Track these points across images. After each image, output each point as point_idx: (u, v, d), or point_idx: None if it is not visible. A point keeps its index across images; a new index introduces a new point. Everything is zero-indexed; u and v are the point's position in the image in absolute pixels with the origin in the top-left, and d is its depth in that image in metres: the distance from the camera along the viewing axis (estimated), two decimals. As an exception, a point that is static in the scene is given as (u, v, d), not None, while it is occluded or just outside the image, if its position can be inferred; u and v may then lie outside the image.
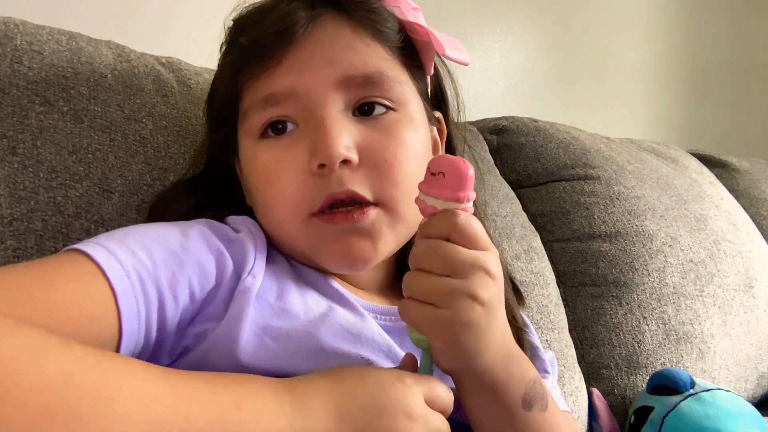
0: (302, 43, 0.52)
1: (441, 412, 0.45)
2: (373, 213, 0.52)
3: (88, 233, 0.59)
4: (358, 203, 0.52)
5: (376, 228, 0.52)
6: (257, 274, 0.49)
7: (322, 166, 0.50)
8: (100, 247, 0.43)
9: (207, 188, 0.60)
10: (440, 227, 0.45)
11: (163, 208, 0.58)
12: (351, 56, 0.53)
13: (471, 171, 0.45)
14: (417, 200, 0.47)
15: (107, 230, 0.60)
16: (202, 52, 0.79)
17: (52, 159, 0.60)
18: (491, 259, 0.45)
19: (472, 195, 0.45)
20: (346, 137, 0.51)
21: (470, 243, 0.45)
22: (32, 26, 0.64)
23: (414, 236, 0.54)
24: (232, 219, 0.55)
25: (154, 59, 0.72)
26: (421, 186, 0.47)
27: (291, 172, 0.52)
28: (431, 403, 0.44)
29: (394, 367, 0.47)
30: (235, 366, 0.45)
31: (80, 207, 0.60)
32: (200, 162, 0.64)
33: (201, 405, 0.36)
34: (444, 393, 0.46)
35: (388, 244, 0.54)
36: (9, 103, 0.59)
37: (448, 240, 0.45)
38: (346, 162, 0.50)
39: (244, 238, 0.51)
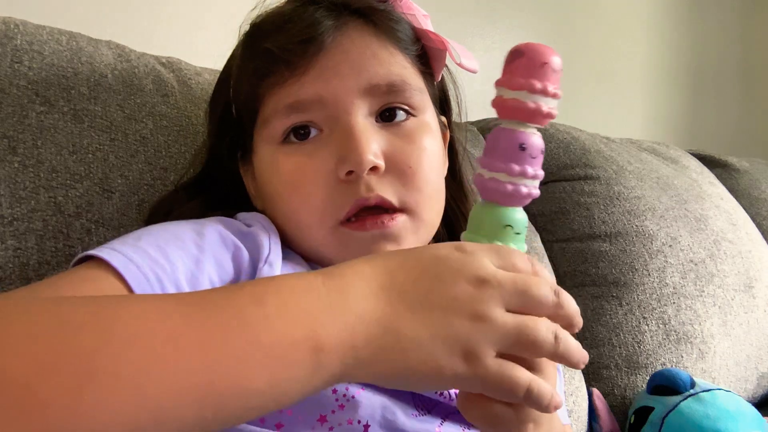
0: (329, 52, 0.53)
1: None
2: (401, 219, 0.52)
3: (89, 233, 0.59)
4: (384, 209, 0.52)
5: (402, 234, 0.53)
6: (274, 262, 0.50)
7: (350, 173, 0.51)
8: (116, 252, 0.43)
9: (209, 190, 0.60)
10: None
11: (164, 216, 0.58)
12: (376, 65, 0.54)
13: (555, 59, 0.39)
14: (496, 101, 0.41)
15: (108, 230, 0.60)
16: (202, 52, 0.79)
17: (53, 159, 0.60)
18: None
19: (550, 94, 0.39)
20: (374, 144, 0.51)
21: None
22: (32, 26, 0.64)
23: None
24: (242, 215, 0.56)
25: (154, 59, 0.72)
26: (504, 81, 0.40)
27: (318, 179, 0.52)
28: (505, 269, 0.37)
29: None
30: None
31: (81, 207, 0.60)
32: (198, 163, 0.64)
33: (214, 309, 0.32)
34: (520, 259, 0.38)
35: None
36: (9, 103, 0.59)
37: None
38: (373, 169, 0.51)
39: (257, 231, 0.52)
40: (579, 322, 0.38)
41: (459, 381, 0.35)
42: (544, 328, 0.36)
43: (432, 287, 0.35)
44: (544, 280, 0.37)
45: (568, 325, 0.38)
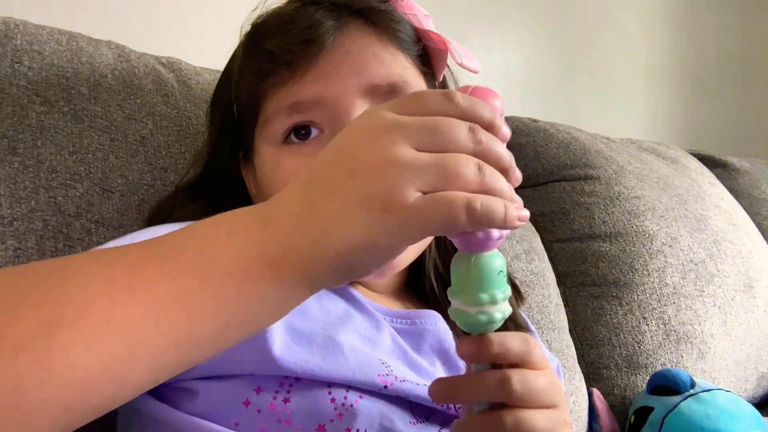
0: (330, 53, 0.53)
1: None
2: None
3: (89, 233, 0.59)
4: None
5: None
6: None
7: None
8: None
9: (209, 191, 0.60)
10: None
11: (165, 218, 0.58)
12: (377, 65, 0.54)
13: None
14: None
15: (108, 230, 0.60)
16: (202, 52, 0.79)
17: (53, 159, 0.60)
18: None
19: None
20: None
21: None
22: (32, 26, 0.64)
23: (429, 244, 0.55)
24: None
25: (154, 59, 0.72)
26: None
27: None
28: (413, 115, 0.34)
29: None
30: (267, 359, 0.45)
31: (81, 207, 0.60)
32: (199, 164, 0.64)
33: (171, 238, 0.33)
34: (435, 101, 0.34)
35: (413, 251, 0.55)
36: (9, 103, 0.59)
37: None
38: None
39: None
40: (508, 163, 0.34)
41: (392, 235, 0.32)
42: (464, 159, 0.32)
43: (338, 161, 0.33)
44: (458, 120, 0.33)
45: (495, 165, 0.34)
